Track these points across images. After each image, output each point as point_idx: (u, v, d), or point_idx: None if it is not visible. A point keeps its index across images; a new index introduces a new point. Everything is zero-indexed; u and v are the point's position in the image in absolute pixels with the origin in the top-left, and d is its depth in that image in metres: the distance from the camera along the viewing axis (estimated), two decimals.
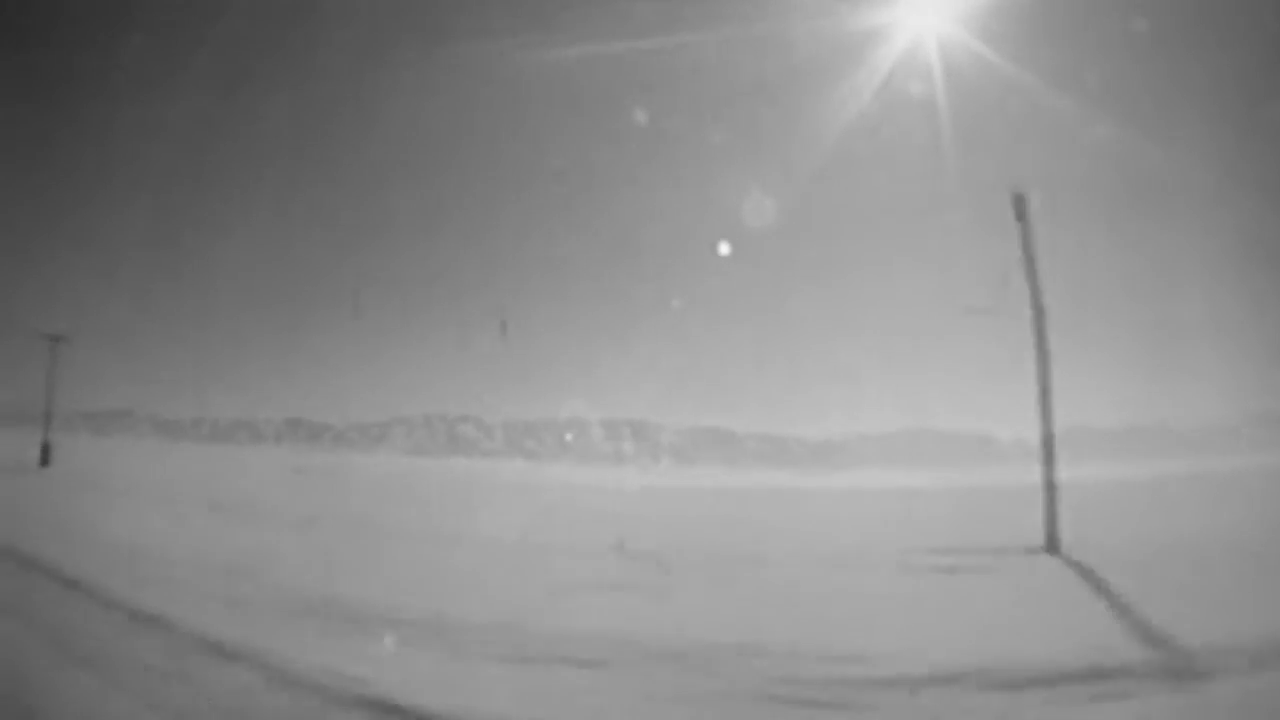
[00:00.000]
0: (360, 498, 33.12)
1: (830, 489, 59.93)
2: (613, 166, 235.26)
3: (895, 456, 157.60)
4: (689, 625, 8.77)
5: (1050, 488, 16.41)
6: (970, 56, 33.33)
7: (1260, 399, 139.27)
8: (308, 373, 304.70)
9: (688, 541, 19.21)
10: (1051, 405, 16.63)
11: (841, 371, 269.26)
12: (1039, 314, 17.00)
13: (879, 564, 14.26)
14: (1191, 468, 69.49)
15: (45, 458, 36.43)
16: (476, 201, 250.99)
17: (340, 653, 7.06)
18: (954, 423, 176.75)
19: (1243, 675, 6.73)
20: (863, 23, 36.87)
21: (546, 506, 32.33)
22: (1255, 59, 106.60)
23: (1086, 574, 12.52)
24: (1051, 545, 15.74)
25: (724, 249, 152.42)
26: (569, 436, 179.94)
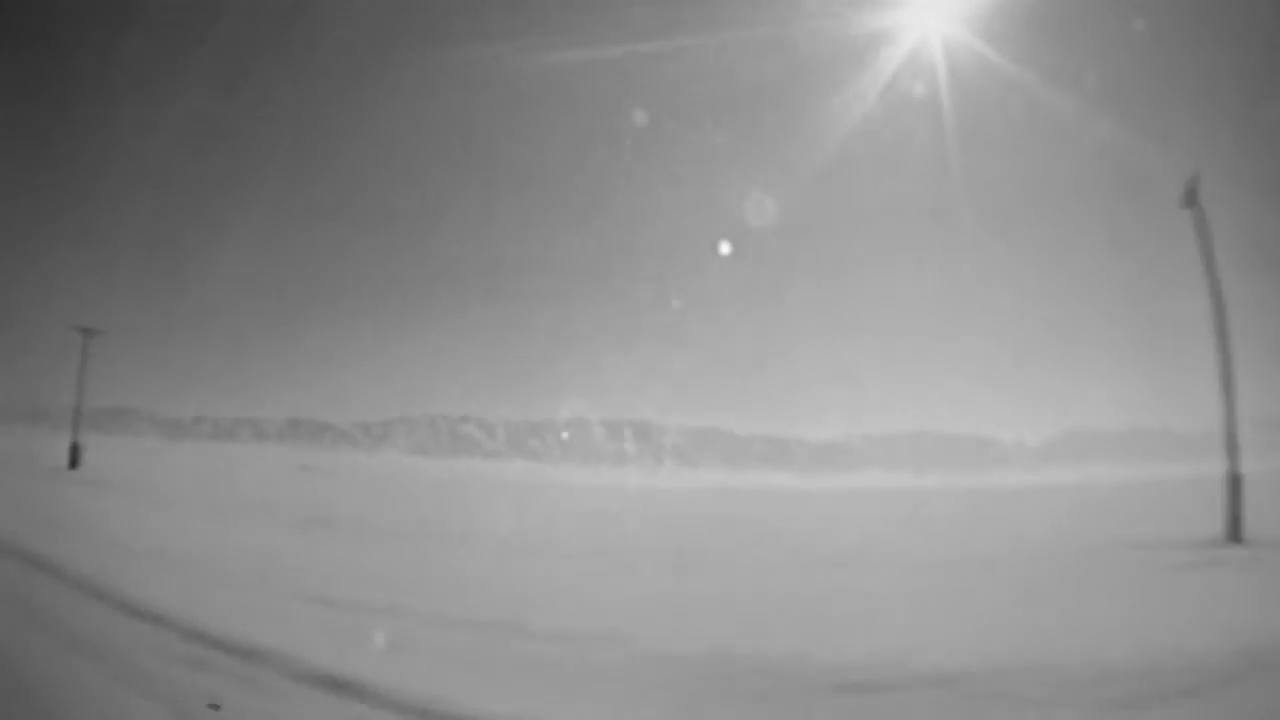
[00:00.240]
0: (368, 496, 33.04)
1: (874, 490, 59.66)
2: (615, 168, 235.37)
3: (900, 458, 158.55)
4: (695, 626, 8.67)
5: (1234, 479, 16.58)
6: (970, 57, 33.55)
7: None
8: (310, 371, 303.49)
9: (691, 542, 19.15)
10: (1235, 397, 16.82)
11: (843, 372, 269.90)
12: (1219, 309, 17.14)
13: (1114, 562, 13.87)
14: None
15: (74, 460, 33.58)
16: (479, 202, 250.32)
17: (345, 650, 6.96)
18: (955, 424, 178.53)
19: None
20: (863, 24, 36.84)
21: (547, 507, 32.29)
22: (1254, 59, 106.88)
23: None
24: (1234, 535, 15.90)
25: (726, 249, 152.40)
26: (571, 437, 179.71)
